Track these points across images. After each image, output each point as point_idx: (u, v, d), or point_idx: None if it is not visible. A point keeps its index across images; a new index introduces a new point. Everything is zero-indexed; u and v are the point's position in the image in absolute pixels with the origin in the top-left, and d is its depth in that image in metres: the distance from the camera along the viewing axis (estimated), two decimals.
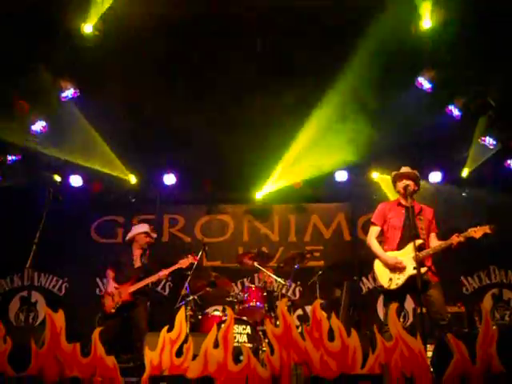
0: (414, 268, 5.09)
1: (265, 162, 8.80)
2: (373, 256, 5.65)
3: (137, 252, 7.07)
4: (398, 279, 5.32)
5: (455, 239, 5.24)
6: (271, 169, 8.97)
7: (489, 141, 8.24)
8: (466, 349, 3.80)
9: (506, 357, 3.80)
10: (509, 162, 8.50)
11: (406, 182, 5.56)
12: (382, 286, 5.45)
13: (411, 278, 5.20)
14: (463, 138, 8.47)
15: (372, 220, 5.82)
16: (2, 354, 4.03)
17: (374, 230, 5.75)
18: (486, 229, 5.23)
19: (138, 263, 7.03)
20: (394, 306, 4.40)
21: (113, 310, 6.64)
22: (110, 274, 6.95)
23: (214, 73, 7.48)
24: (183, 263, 6.94)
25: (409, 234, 5.29)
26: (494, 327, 3.91)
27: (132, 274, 6.88)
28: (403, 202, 5.64)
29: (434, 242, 5.49)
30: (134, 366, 6.22)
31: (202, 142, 8.41)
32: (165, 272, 6.85)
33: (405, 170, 5.76)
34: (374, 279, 8.94)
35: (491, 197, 8.58)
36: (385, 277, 5.42)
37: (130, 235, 7.21)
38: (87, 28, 6.77)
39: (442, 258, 5.53)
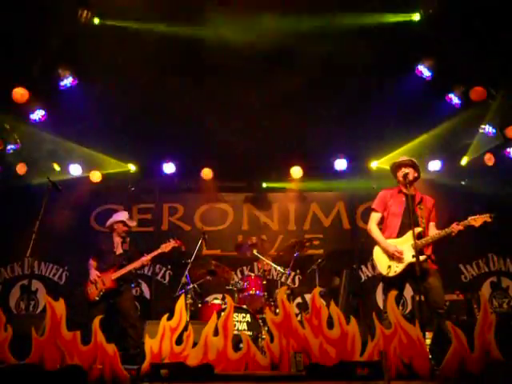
0: (413, 256, 5.11)
1: (265, 149, 8.78)
2: (372, 244, 5.68)
3: (117, 239, 7.09)
4: (397, 267, 5.36)
5: (455, 227, 5.26)
6: (272, 157, 8.96)
7: (488, 129, 8.23)
8: (464, 336, 3.82)
9: (503, 344, 3.82)
10: (508, 150, 8.48)
11: (404, 170, 5.59)
12: (380, 273, 5.49)
13: (410, 266, 5.23)
14: (462, 127, 8.44)
15: (373, 206, 5.86)
16: (3, 342, 4.06)
17: (374, 217, 5.79)
18: (486, 217, 5.25)
19: (119, 250, 7.04)
20: (393, 293, 4.43)
21: (97, 298, 6.65)
22: (92, 262, 6.97)
23: (213, 59, 7.42)
24: (165, 247, 6.93)
25: (408, 221, 5.31)
26: (493, 315, 3.92)
27: (114, 261, 6.89)
28: (404, 190, 5.66)
29: (433, 231, 5.51)
30: (133, 353, 6.25)
31: (201, 130, 8.38)
32: (147, 257, 6.83)
33: (402, 158, 5.78)
34: (374, 267, 9.00)
35: (490, 185, 8.58)
36: (384, 264, 5.45)
37: (108, 223, 7.23)
38: (86, 14, 6.71)
39: (440, 246, 5.54)
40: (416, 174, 5.64)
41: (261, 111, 8.18)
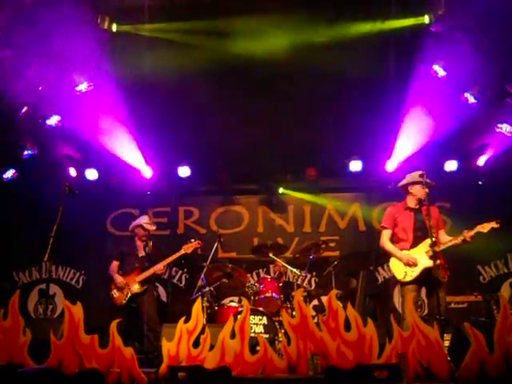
0: (431, 258, 5.23)
1: (280, 151, 8.78)
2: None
3: (139, 243, 7.16)
4: (413, 271, 5.56)
5: (467, 235, 5.46)
6: (284, 159, 8.95)
7: (506, 128, 8.13)
8: (483, 338, 3.78)
9: None
10: None
11: (427, 190, 5.66)
12: (396, 278, 5.73)
13: (426, 271, 5.46)
14: (479, 126, 8.37)
15: (382, 224, 6.06)
16: (22, 345, 4.09)
17: (386, 234, 5.98)
18: (493, 224, 5.44)
19: (141, 253, 7.08)
20: (410, 295, 4.41)
21: (124, 302, 6.69)
22: (115, 266, 7.01)
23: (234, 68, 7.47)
24: (186, 249, 6.96)
25: (420, 234, 5.62)
26: None
27: (137, 263, 6.94)
28: (411, 205, 5.87)
29: (445, 238, 5.71)
30: (151, 356, 6.28)
31: (216, 133, 8.40)
32: (169, 259, 6.86)
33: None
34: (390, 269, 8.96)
35: (507, 186, 8.50)
36: (400, 270, 5.67)
37: (130, 227, 7.30)
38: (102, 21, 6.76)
39: (458, 248, 5.61)
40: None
41: (276, 113, 8.18)
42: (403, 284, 5.68)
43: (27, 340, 4.11)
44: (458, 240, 5.49)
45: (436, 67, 7.56)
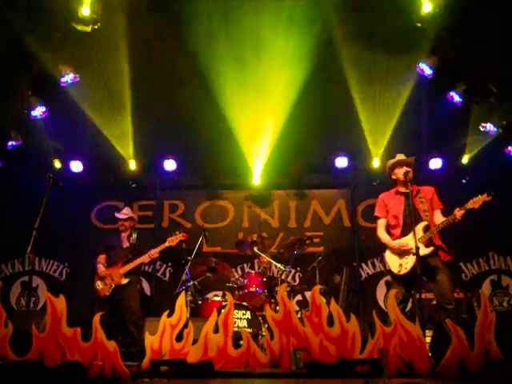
0: (426, 245, 5.21)
1: (265, 147, 8.79)
2: (373, 242, 5.74)
3: (123, 234, 7.10)
4: (407, 263, 5.38)
5: (457, 213, 5.22)
6: (270, 154, 8.96)
7: (489, 127, 8.21)
8: (464, 334, 3.83)
9: (503, 342, 3.82)
10: (509, 148, 8.48)
11: (406, 168, 5.58)
12: (392, 272, 5.51)
13: (421, 259, 5.11)
14: (464, 125, 8.44)
15: (375, 214, 5.90)
16: (4, 338, 4.06)
17: (380, 224, 5.83)
18: (485, 197, 5.23)
19: (125, 244, 7.04)
20: (393, 291, 4.43)
21: (107, 293, 6.64)
22: (101, 258, 6.97)
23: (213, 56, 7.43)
24: (171, 241, 6.90)
25: (410, 219, 5.27)
26: (493, 313, 3.92)
27: (121, 254, 6.88)
28: (401, 189, 5.68)
29: (440, 218, 5.46)
30: (134, 350, 6.25)
31: (202, 127, 8.38)
32: (155, 250, 6.81)
33: (402, 156, 5.78)
34: (374, 265, 9.03)
35: (491, 184, 8.57)
36: (395, 263, 5.50)
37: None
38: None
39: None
40: (413, 174, 5.60)
41: (260, 109, 8.18)
42: (395, 278, 5.51)
43: (9, 332, 4.09)
44: (450, 220, 5.23)
45: (422, 65, 7.62)
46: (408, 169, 5.57)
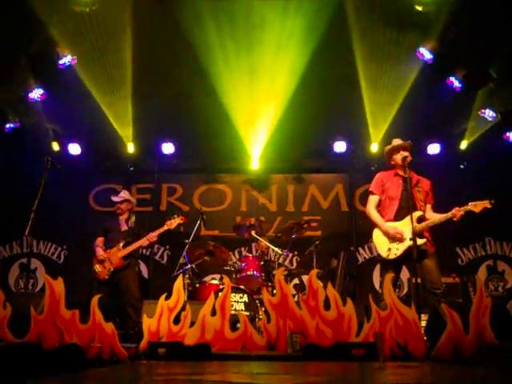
0: (410, 239, 5.13)
1: (263, 132, 8.77)
2: (370, 227, 5.68)
3: (121, 217, 7.10)
4: (397, 249, 5.35)
5: (456, 213, 5.22)
6: (269, 139, 8.95)
7: (488, 113, 8.20)
8: (459, 319, 3.86)
9: (498, 327, 3.85)
10: (508, 134, 8.48)
11: (403, 153, 5.58)
12: (380, 256, 5.47)
13: (409, 249, 5.19)
14: (463, 110, 8.43)
15: (370, 189, 5.82)
16: (2, 320, 4.08)
17: (372, 200, 5.76)
18: (487, 203, 5.21)
19: (124, 227, 7.05)
20: (389, 275, 4.46)
21: (106, 277, 6.66)
22: (99, 241, 6.98)
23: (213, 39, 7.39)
24: (170, 224, 6.90)
25: (406, 205, 5.30)
26: (488, 298, 3.95)
27: (119, 238, 6.89)
28: (400, 172, 5.66)
29: (430, 214, 5.51)
30: (131, 332, 6.30)
31: (200, 111, 8.35)
32: (153, 234, 6.81)
33: (399, 141, 5.77)
34: (371, 249, 9.06)
35: (489, 169, 8.60)
36: (384, 247, 5.44)
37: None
38: None
39: (437, 229, 5.54)
40: (411, 158, 5.58)
41: (260, 93, 8.15)
42: (384, 262, 5.48)
43: (7, 314, 4.11)
44: (447, 217, 5.23)
45: (422, 50, 7.59)
46: (405, 153, 5.55)
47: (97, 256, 6.80)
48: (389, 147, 5.81)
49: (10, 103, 7.95)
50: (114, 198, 7.13)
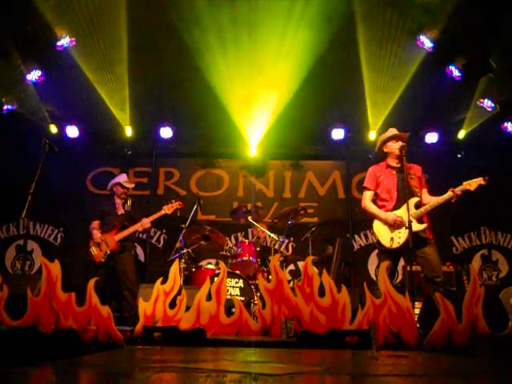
0: (406, 227, 5.14)
1: (262, 118, 8.76)
2: (367, 215, 5.70)
3: (117, 201, 7.11)
4: (400, 238, 5.34)
5: (452, 194, 5.23)
6: (268, 125, 8.93)
7: (487, 103, 8.20)
8: (452, 307, 3.89)
9: (490, 316, 3.89)
10: (505, 124, 8.49)
11: (401, 143, 5.58)
12: (383, 246, 5.44)
13: (412, 236, 5.15)
14: (461, 100, 8.42)
15: (364, 185, 5.83)
16: None
17: (367, 194, 5.76)
18: (480, 180, 5.21)
19: (120, 211, 7.06)
20: (384, 264, 4.49)
21: (102, 260, 6.68)
22: (95, 224, 6.99)
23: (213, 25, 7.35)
24: (167, 209, 6.91)
25: (403, 194, 5.31)
26: (481, 287, 3.98)
27: (116, 221, 6.90)
28: (392, 163, 5.67)
29: (427, 198, 5.50)
30: (127, 315, 6.34)
31: (198, 95, 8.33)
32: (147, 220, 6.83)
33: (394, 131, 5.76)
34: (366, 237, 9.10)
35: (487, 159, 8.61)
36: (386, 237, 5.44)
37: (109, 185, 7.24)
38: None
39: (433, 217, 5.56)
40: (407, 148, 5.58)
41: (259, 79, 8.13)
42: (384, 251, 5.47)
43: (4, 295, 4.12)
44: (444, 199, 5.24)
45: (423, 38, 7.56)
46: (403, 143, 5.57)
47: (93, 238, 6.81)
48: (387, 135, 5.79)
49: (7, 85, 7.90)
50: (126, 184, 7.11)
